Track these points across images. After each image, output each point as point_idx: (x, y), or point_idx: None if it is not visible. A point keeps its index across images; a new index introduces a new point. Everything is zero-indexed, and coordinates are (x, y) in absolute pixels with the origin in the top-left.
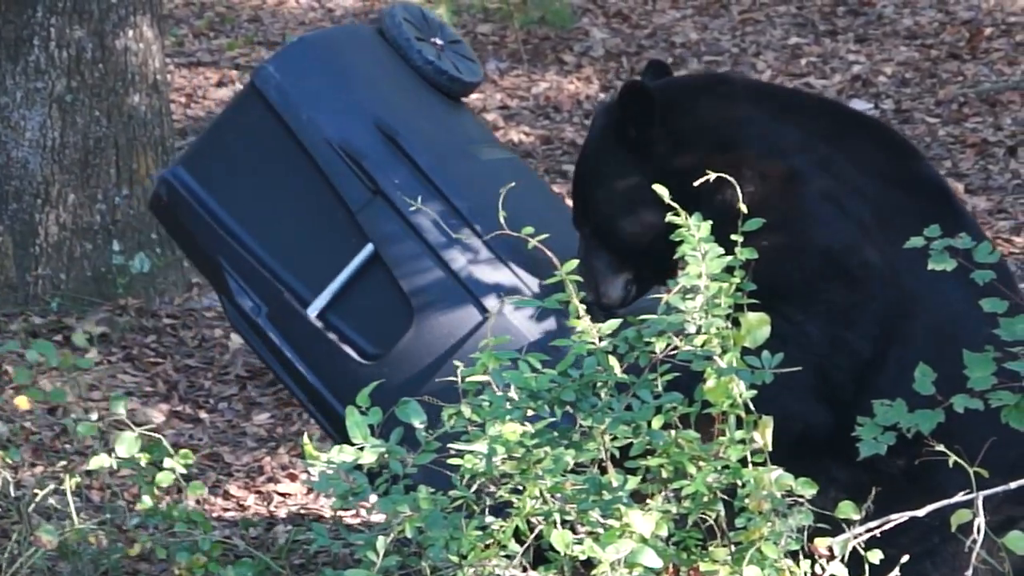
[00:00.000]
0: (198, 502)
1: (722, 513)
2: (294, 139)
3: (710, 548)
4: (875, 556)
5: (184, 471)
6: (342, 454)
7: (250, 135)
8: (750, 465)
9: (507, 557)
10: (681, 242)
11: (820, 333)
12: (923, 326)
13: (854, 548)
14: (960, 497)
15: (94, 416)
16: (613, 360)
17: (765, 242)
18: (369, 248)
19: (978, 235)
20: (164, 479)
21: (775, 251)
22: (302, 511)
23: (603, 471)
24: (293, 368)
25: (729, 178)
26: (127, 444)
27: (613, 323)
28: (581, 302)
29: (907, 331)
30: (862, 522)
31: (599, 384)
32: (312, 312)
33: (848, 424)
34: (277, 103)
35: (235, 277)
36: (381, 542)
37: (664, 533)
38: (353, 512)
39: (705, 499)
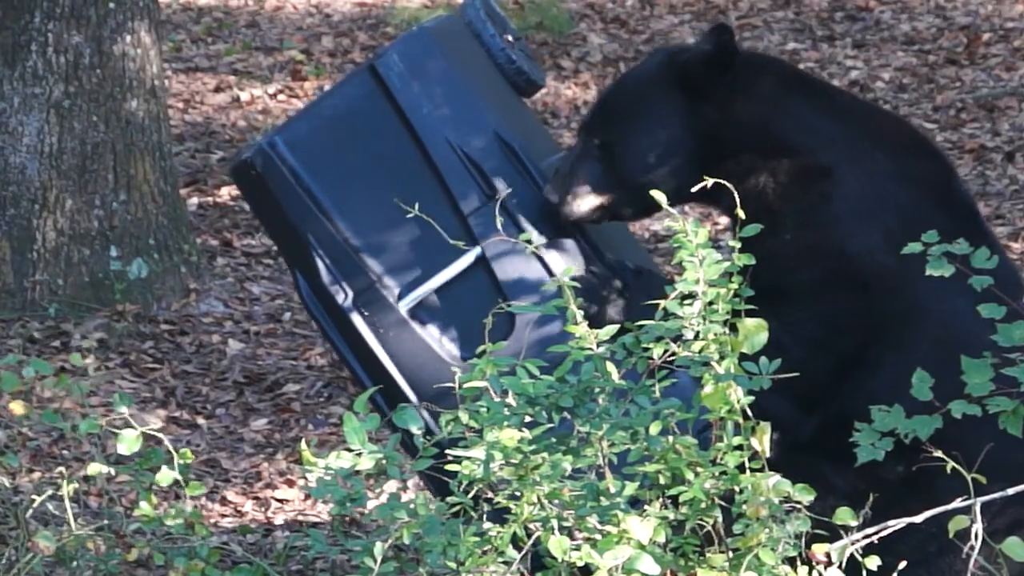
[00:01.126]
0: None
1: (720, 519)
2: (411, 131)
3: (708, 554)
4: (872, 563)
5: (186, 462)
6: (339, 460)
7: (359, 118)
8: (748, 471)
9: (505, 563)
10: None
11: (811, 335)
12: (928, 335)
13: (852, 555)
14: (958, 503)
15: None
16: (611, 366)
17: (788, 235)
18: (477, 251)
19: (1001, 258)
20: (164, 478)
21: (793, 246)
22: (300, 517)
23: (601, 477)
24: (369, 356)
25: (727, 184)
26: (128, 442)
27: (611, 329)
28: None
29: (909, 339)
30: (860, 528)
31: (597, 390)
32: (405, 305)
33: (844, 429)
34: (399, 93)
35: (323, 257)
36: (379, 548)
37: (662, 539)
38: (351, 518)
39: (703, 505)
